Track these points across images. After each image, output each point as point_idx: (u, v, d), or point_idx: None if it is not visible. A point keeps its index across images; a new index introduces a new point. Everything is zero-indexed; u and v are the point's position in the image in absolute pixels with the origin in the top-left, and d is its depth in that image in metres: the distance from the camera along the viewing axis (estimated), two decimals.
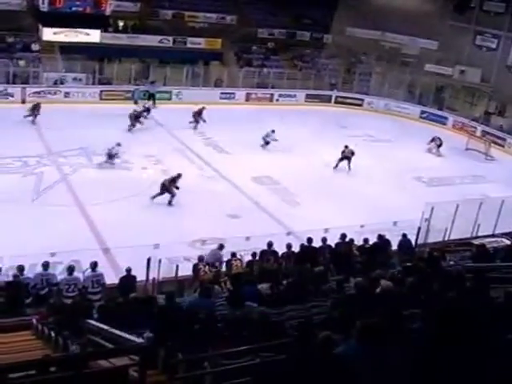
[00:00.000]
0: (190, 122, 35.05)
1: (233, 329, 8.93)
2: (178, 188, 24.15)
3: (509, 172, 33.17)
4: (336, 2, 47.72)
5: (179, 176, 24.49)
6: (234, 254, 17.17)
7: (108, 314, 11.22)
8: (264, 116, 37.41)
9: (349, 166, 30.37)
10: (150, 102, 35.55)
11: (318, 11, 48.28)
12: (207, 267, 16.67)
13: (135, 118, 33.12)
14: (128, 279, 15.27)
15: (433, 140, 36.14)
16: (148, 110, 34.82)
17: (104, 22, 40.05)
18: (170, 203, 23.99)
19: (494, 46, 44.23)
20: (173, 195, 24.02)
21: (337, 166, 30.41)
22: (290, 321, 9.70)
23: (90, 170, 26.96)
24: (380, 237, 18.95)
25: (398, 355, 5.99)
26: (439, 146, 35.78)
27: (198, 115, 35.14)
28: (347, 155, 30.37)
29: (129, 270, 15.32)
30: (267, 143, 32.06)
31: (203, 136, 33.48)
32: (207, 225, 21.40)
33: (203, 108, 35.31)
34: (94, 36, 38.85)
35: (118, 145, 27.85)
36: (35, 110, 32.31)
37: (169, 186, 24.05)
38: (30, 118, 32.18)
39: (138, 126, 33.18)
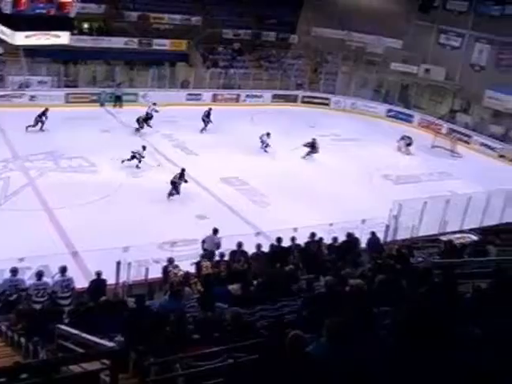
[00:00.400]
0: (202, 129, 35.51)
1: (204, 330, 8.94)
2: (186, 181, 25.36)
3: (475, 168, 33.57)
4: (301, 2, 47.98)
5: (184, 170, 25.49)
6: (203, 256, 17.17)
7: (78, 319, 11.16)
8: (231, 117, 37.43)
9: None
10: (155, 106, 35.17)
11: (283, 11, 48.48)
12: (208, 263, 16.66)
13: (144, 120, 33.10)
14: (98, 283, 15.17)
15: (402, 138, 36.44)
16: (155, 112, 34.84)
17: (68, 25, 39.64)
18: (169, 195, 24.98)
19: (457, 44, 44.73)
20: (177, 192, 25.07)
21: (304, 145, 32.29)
22: (261, 321, 9.75)
23: (57, 173, 26.72)
24: (349, 235, 19.06)
25: (369, 352, 6.05)
26: (408, 144, 36.08)
27: (206, 117, 35.46)
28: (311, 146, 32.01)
29: (99, 274, 15.22)
30: (266, 146, 32.19)
31: (171, 138, 33.38)
32: (176, 226, 21.37)
33: (210, 109, 35.74)
34: (64, 38, 38.46)
35: (144, 148, 28.43)
36: (43, 116, 31.81)
37: (178, 182, 25.16)
38: (38, 127, 31.70)
39: (145, 128, 33.77)
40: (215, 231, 18.83)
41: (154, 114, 34.85)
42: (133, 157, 28.01)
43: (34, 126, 31.56)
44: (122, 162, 27.92)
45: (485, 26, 42.41)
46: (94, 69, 40.56)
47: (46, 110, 32.23)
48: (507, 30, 40.70)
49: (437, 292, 8.68)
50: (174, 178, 25.32)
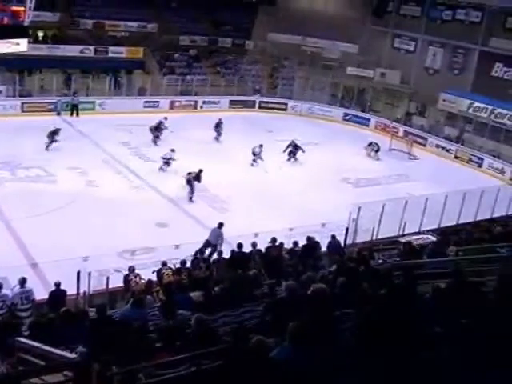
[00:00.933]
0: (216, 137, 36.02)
1: (167, 338, 8.92)
2: (200, 182, 26.59)
3: (431, 170, 34.07)
4: (256, 8, 48.10)
5: (201, 171, 26.67)
6: (164, 263, 17.11)
7: (39, 331, 11.04)
8: (189, 123, 37.39)
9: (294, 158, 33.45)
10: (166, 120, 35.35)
11: (239, 17, 48.73)
12: (169, 270, 16.68)
13: (155, 129, 32.91)
14: (58, 294, 15.03)
15: (369, 145, 36.80)
16: (165, 118, 34.99)
17: (24, 32, 39.29)
18: (190, 199, 26.32)
19: (411, 48, 45.45)
20: (193, 191, 26.39)
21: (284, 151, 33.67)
22: (224, 327, 9.76)
23: (14, 183, 26.40)
24: (309, 238, 19.18)
25: (331, 355, 6.10)
26: (377, 151, 36.48)
27: (217, 127, 36.06)
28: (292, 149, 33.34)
29: (58, 285, 15.07)
30: (259, 158, 32.06)
31: (129, 146, 33.20)
32: (136, 235, 21.28)
33: (220, 120, 36.32)
34: (23, 46, 38.01)
35: (172, 151, 29.22)
36: (55, 134, 31.15)
37: (193, 182, 26.45)
38: (52, 145, 31.06)
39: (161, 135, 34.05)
40: (220, 225, 19.81)
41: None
42: (166, 162, 29.18)
43: None
44: (160, 169, 29.21)
45: (437, 30, 43.28)
46: (50, 78, 40.03)
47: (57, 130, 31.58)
48: (459, 34, 41.56)
49: (397, 293, 8.78)
50: (190, 176, 26.53)
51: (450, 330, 6.64)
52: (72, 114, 37.97)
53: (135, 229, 21.99)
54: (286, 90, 47.08)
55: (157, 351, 8.36)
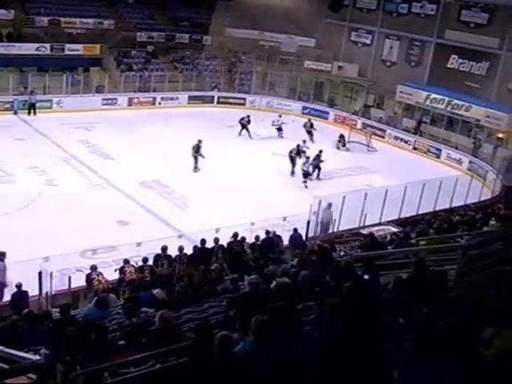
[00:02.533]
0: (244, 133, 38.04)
1: (131, 336, 8.90)
2: (203, 156, 29.68)
3: (390, 162, 34.39)
4: (213, 4, 48.00)
5: (200, 142, 29.96)
6: (126, 261, 17.05)
7: (1, 334, 10.93)
8: (147, 120, 37.30)
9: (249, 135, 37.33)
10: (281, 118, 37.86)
11: (196, 13, 48.67)
12: (132, 268, 16.68)
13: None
14: (20, 295, 14.89)
15: (341, 137, 37.38)
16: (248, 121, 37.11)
17: None
18: (195, 168, 29.76)
19: (368, 41, 45.86)
20: (196, 162, 29.59)
21: (240, 133, 37.47)
22: (188, 323, 9.76)
23: None
24: (267, 232, 19.32)
25: (295, 348, 6.15)
26: (343, 144, 36.98)
27: (243, 123, 37.76)
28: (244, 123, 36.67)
29: (19, 286, 14.94)
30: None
31: (88, 144, 32.94)
32: (97, 233, 21.05)
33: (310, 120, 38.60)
34: None
35: (200, 141, 30.24)
36: None
37: (195, 155, 29.57)
38: None
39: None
40: (329, 205, 22.03)
41: (282, 125, 38.46)
42: (196, 157, 30.00)
43: None
44: (195, 168, 30.07)
45: (393, 23, 43.77)
46: (6, 76, 39.41)
47: None
48: (414, 27, 42.09)
49: (359, 285, 8.85)
50: (291, 152, 30.88)
51: (412, 320, 6.73)
52: (29, 113, 37.50)
53: (96, 227, 21.76)
54: (244, 85, 47.13)
55: (121, 350, 8.34)
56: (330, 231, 22.05)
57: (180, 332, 8.81)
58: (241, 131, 37.82)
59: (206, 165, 30.03)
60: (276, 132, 38.39)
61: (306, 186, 28.58)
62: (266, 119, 39.09)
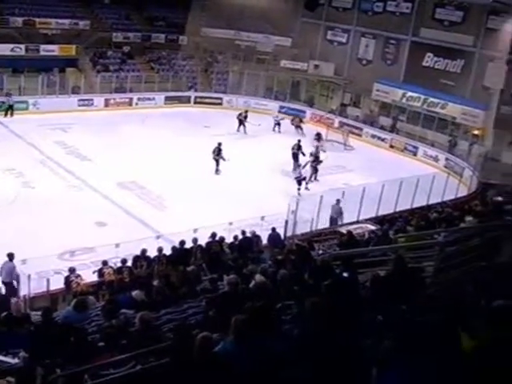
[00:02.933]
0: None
1: (111, 338, 8.88)
2: (224, 159, 30.09)
3: (367, 160, 34.49)
4: (189, 3, 47.89)
5: (220, 144, 30.55)
6: (105, 263, 16.99)
7: None
8: (124, 121, 37.22)
9: (244, 130, 38.51)
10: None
11: (171, 13, 48.50)
12: (110, 269, 16.64)
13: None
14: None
15: (318, 135, 37.60)
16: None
17: None
18: (217, 171, 30.26)
19: (344, 40, 46.05)
20: (218, 165, 30.23)
21: (238, 129, 38.66)
22: (167, 324, 9.75)
23: None
24: (243, 232, 19.35)
25: (275, 347, 6.17)
26: (318, 140, 37.17)
27: (240, 118, 38.83)
28: (241, 119, 38.31)
29: None
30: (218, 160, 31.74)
31: (64, 145, 32.74)
32: (75, 235, 20.97)
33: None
34: None
35: (219, 144, 30.51)
36: None
37: (216, 158, 30.28)
38: None
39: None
40: (338, 201, 23.19)
41: (281, 121, 40.12)
42: (217, 160, 30.33)
43: None
44: (217, 171, 30.37)
45: (369, 22, 44.00)
46: None
47: None
48: (390, 25, 42.33)
49: (338, 283, 8.90)
50: (293, 148, 31.99)
51: (390, 317, 6.78)
52: (6, 115, 37.16)
53: (74, 229, 21.66)
54: (220, 85, 47.11)
55: (101, 352, 8.32)
56: (309, 230, 22.11)
57: (160, 333, 8.80)
58: (238, 127, 38.55)
59: (183, 165, 29.95)
60: (276, 127, 40.03)
61: (307, 188, 28.45)
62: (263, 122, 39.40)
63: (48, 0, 44.43)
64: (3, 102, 37.44)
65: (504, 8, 36.40)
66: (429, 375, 5.07)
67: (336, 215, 23.62)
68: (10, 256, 16.39)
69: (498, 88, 36.65)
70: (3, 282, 16.17)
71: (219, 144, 30.55)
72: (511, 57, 36.17)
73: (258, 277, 11.00)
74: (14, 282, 16.36)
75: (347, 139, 38.54)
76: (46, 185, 26.42)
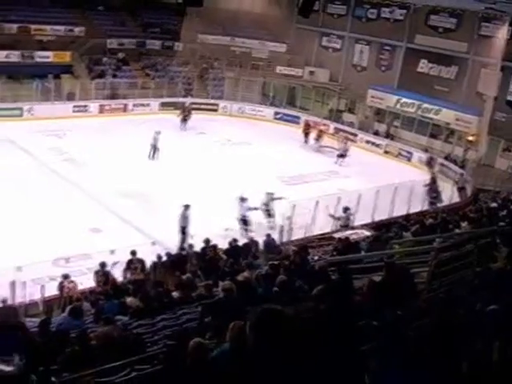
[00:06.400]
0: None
1: (105, 344, 8.88)
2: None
3: (362, 166, 34.51)
4: (184, 10, 47.92)
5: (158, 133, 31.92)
6: (66, 276, 16.74)
7: None
8: (119, 127, 37.21)
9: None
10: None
11: (167, 19, 48.60)
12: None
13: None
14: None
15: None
16: None
17: None
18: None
19: (339, 46, 46.25)
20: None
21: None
22: (163, 330, 9.76)
23: None
24: (234, 240, 19.38)
25: (272, 354, 6.16)
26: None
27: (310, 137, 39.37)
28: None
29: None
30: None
31: (59, 151, 32.68)
32: (70, 241, 20.95)
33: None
34: None
35: (158, 133, 31.23)
36: None
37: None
38: None
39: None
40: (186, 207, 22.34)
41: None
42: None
43: None
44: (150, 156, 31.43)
45: (363, 28, 44.18)
46: None
47: None
48: (384, 32, 42.47)
49: (334, 289, 8.91)
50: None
51: (385, 323, 6.79)
52: None
53: (69, 235, 21.65)
54: (216, 91, 47.13)
55: (96, 358, 8.31)
56: (304, 236, 22.10)
57: (148, 341, 8.78)
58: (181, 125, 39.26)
59: (178, 171, 29.93)
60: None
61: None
62: None
63: (43, 7, 44.40)
64: None
65: (497, 15, 36.58)
66: (423, 381, 5.09)
67: (345, 222, 23.49)
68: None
69: (491, 94, 36.81)
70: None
71: (157, 132, 32.11)
72: (505, 63, 36.34)
73: (253, 283, 11.01)
74: None
75: (343, 145, 38.28)
76: (40, 191, 26.35)
